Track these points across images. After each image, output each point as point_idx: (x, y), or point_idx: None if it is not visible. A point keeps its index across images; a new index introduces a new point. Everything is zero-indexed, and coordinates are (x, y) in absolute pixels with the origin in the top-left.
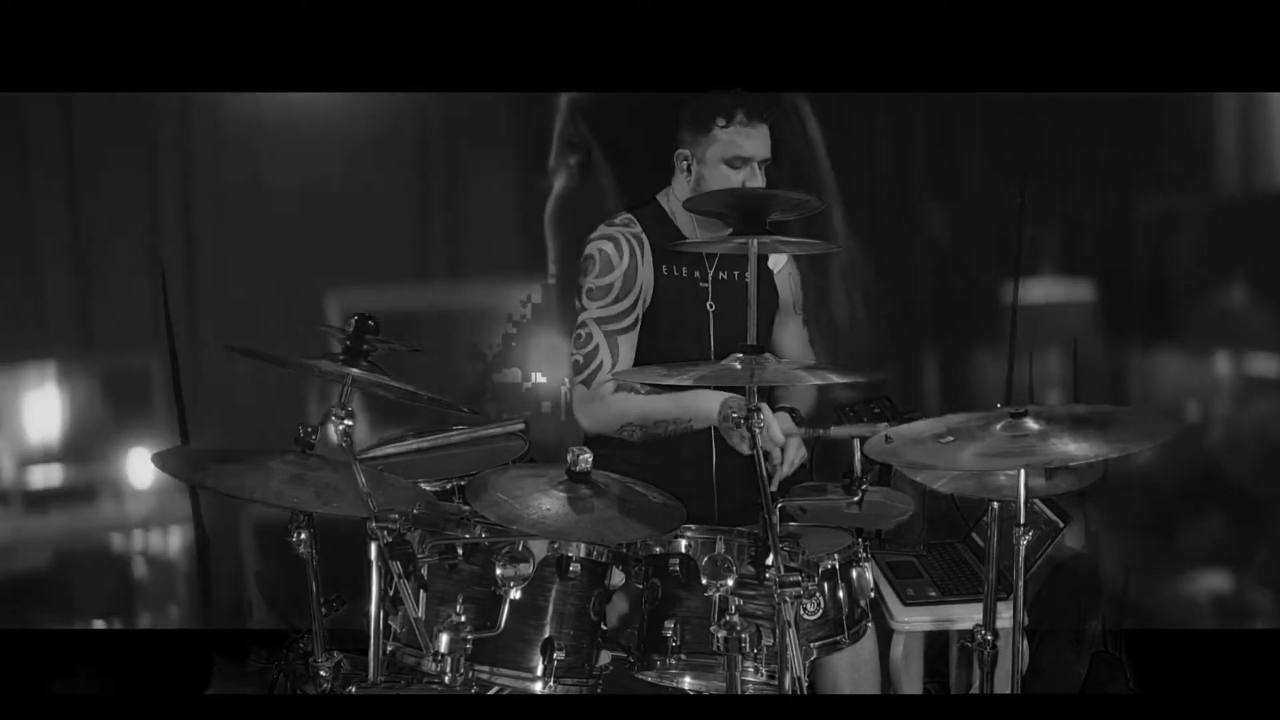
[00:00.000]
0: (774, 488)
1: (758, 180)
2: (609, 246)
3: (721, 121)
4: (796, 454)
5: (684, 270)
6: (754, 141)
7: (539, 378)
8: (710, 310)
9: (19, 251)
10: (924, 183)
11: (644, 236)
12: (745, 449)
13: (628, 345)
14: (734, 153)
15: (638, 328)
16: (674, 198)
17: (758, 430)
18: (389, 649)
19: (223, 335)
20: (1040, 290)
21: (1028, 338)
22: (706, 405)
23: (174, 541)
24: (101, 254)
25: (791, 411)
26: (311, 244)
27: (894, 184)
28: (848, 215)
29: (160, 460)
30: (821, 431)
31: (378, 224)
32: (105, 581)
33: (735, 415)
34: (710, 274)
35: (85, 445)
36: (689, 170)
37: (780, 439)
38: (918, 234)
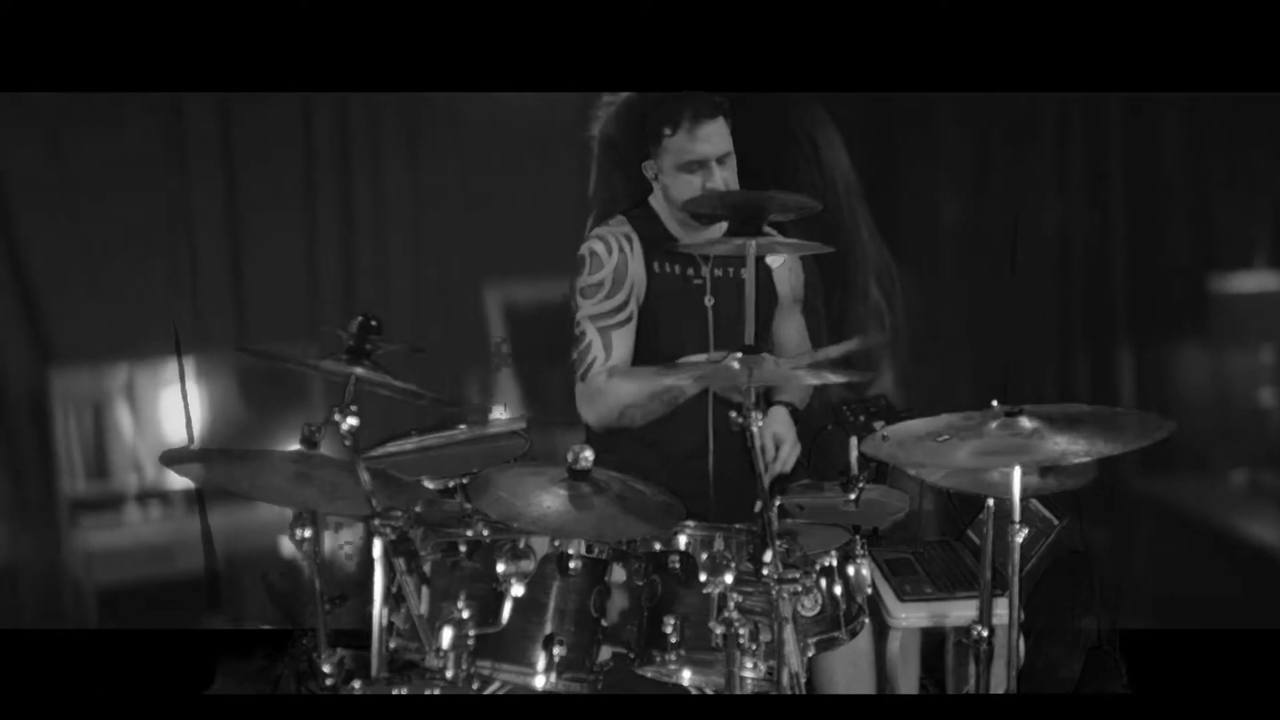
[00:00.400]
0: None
1: (716, 179)
2: (599, 245)
3: (668, 130)
4: (791, 452)
5: (676, 268)
6: (706, 142)
7: None
8: (709, 305)
9: (175, 249)
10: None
11: (634, 235)
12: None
13: (621, 339)
14: (687, 158)
15: (632, 322)
16: (660, 201)
17: (756, 428)
18: (392, 645)
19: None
20: (1253, 281)
21: (1233, 331)
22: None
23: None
24: (257, 251)
25: (788, 406)
26: (469, 240)
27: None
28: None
29: (169, 459)
30: (829, 426)
31: (535, 219)
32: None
33: (734, 415)
34: (706, 270)
35: (240, 444)
36: (657, 179)
37: (784, 435)
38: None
